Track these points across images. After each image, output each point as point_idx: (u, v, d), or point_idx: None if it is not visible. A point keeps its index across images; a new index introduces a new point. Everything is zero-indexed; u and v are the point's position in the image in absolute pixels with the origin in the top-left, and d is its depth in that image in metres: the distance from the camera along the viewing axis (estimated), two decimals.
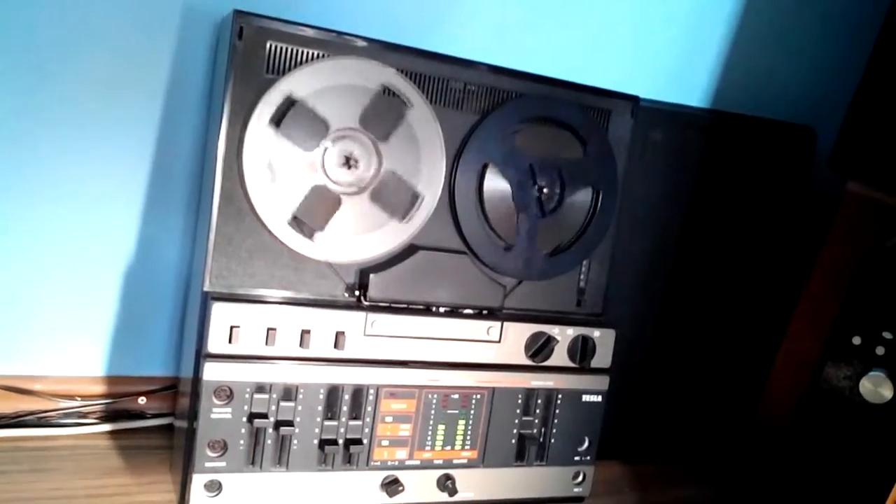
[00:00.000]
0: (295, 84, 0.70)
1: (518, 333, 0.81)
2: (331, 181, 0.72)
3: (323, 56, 0.71)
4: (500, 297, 0.80)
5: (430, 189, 0.76)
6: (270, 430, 0.71)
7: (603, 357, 0.85)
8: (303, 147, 0.71)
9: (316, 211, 0.72)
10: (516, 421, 0.82)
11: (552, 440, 0.84)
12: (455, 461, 0.80)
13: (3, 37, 0.78)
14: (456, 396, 0.79)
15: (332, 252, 0.73)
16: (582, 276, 0.85)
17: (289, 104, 0.69)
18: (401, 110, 0.74)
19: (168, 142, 0.86)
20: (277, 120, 0.69)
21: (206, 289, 0.70)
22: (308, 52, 0.70)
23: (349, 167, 0.72)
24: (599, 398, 0.85)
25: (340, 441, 0.74)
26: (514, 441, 0.82)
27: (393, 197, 0.74)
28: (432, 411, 0.78)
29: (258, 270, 0.71)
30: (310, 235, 0.72)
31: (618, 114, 0.84)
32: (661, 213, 0.99)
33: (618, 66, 1.03)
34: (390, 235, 0.75)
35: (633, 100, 0.85)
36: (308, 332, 0.72)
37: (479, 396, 0.80)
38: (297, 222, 0.71)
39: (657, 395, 1.04)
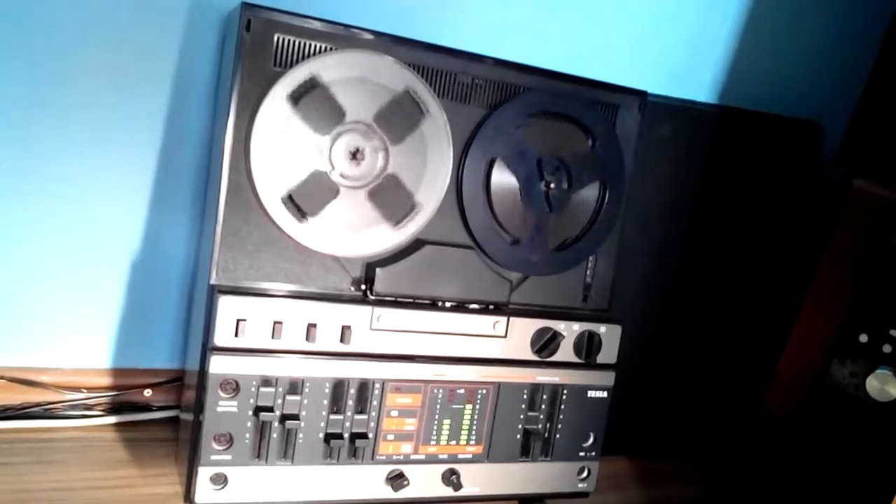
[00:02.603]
0: (322, 67, 0.70)
1: (524, 328, 0.81)
2: (334, 170, 0.72)
3: (333, 48, 0.70)
4: (507, 292, 0.80)
5: (429, 200, 0.76)
6: (276, 424, 0.71)
7: (609, 353, 0.84)
8: (314, 129, 0.70)
9: (312, 195, 0.71)
10: (521, 416, 0.82)
11: (557, 435, 0.83)
12: (460, 456, 0.80)
13: (8, 29, 0.77)
14: (462, 391, 0.79)
15: (338, 246, 0.73)
16: (588, 272, 0.85)
17: (311, 85, 0.69)
18: (417, 118, 0.74)
19: (175, 134, 0.86)
20: (297, 98, 0.69)
21: (212, 282, 0.70)
22: (316, 45, 0.70)
23: (355, 161, 0.72)
24: (605, 394, 0.85)
25: (346, 435, 0.74)
26: (519, 436, 0.82)
27: (390, 201, 0.74)
28: (438, 406, 0.78)
29: (265, 264, 0.71)
30: (301, 219, 0.71)
31: (625, 109, 0.84)
32: (668, 208, 0.98)
33: (626, 60, 1.03)
34: (386, 233, 0.75)
35: (640, 95, 0.85)
36: (314, 325, 0.72)
37: (484, 391, 0.80)
38: (290, 201, 0.71)
39: (663, 390, 1.04)
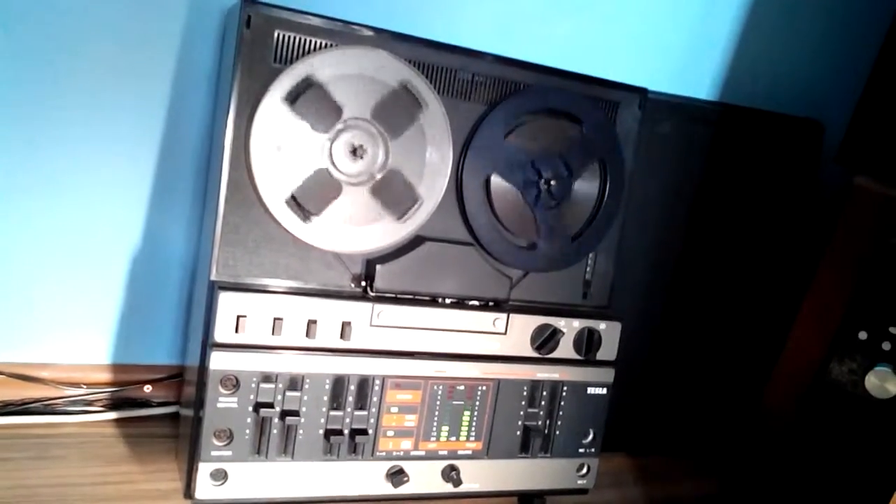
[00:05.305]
0: (317, 66, 0.69)
1: (524, 325, 0.81)
2: (335, 168, 0.72)
3: (332, 45, 0.70)
4: (507, 289, 0.80)
5: (431, 194, 0.76)
6: (276, 420, 0.71)
7: (608, 349, 0.84)
8: (314, 128, 0.70)
9: (316, 194, 0.71)
10: (521, 413, 0.82)
11: (557, 432, 0.84)
12: (460, 452, 0.80)
13: (9, 24, 0.77)
14: (461, 388, 0.79)
15: (338, 242, 0.73)
16: (588, 269, 0.85)
17: (307, 85, 0.69)
18: (415, 112, 0.73)
19: (175, 131, 0.86)
20: (293, 98, 0.69)
21: (212, 278, 0.70)
22: (316, 42, 0.70)
23: (356, 157, 0.72)
24: (604, 390, 0.85)
25: (346, 431, 0.74)
26: (518, 433, 0.82)
27: (393, 196, 0.74)
28: (438, 402, 0.78)
29: (265, 260, 0.71)
30: (305, 218, 0.71)
31: (626, 106, 0.84)
32: (668, 206, 0.98)
33: (626, 57, 1.03)
34: (387, 229, 0.75)
35: (641, 92, 0.85)
36: (314, 322, 0.72)
37: (484, 388, 0.80)
38: (294, 202, 0.71)
39: (662, 387, 1.04)
